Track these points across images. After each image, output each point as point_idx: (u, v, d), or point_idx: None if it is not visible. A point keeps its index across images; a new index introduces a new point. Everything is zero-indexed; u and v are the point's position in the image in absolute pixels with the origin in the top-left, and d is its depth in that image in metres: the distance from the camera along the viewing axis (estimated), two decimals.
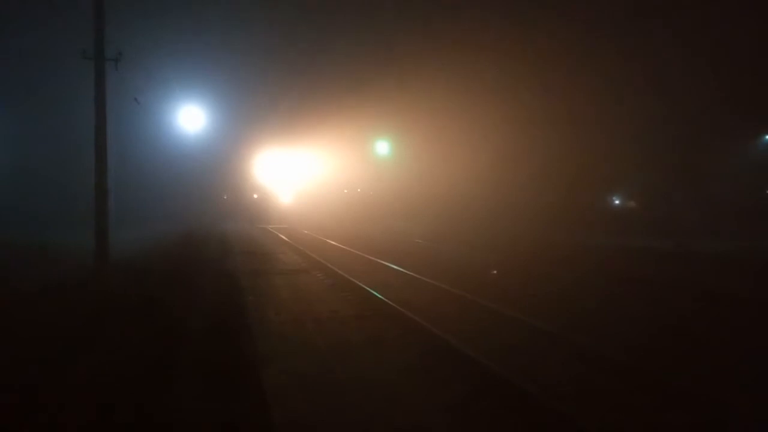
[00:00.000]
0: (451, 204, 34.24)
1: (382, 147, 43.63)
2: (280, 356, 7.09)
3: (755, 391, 5.85)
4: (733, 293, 11.47)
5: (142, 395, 5.51)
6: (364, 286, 12.01)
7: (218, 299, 11.08)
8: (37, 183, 33.56)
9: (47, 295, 10.95)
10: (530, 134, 28.64)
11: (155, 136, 37.16)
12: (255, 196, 67.93)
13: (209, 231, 36.71)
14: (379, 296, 10.82)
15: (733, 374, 6.44)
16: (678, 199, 24.14)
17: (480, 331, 8.27)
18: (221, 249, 23.74)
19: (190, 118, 25.37)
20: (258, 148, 56.24)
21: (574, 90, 26.69)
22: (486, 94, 30.91)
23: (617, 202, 33.28)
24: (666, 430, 4.96)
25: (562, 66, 26.91)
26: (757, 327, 9.04)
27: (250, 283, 13.50)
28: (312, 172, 53.96)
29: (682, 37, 22.94)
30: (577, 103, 26.95)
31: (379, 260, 17.56)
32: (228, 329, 8.33)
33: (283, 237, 29.92)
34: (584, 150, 27.68)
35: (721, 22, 22.12)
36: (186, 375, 6.26)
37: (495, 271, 15.14)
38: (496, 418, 5.10)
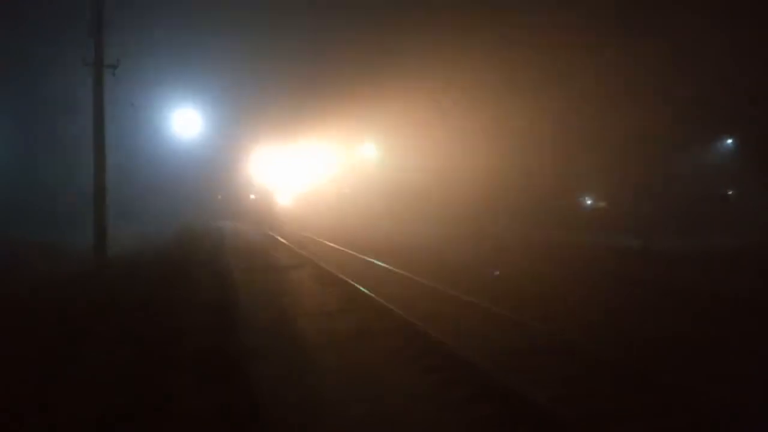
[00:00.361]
0: (433, 203, 34.99)
1: (369, 149, 44.44)
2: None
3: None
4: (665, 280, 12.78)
5: (144, 387, 5.86)
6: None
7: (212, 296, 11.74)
8: (44, 183, 34.20)
9: (39, 293, 11.27)
10: (509, 137, 29.39)
11: (152, 138, 37.87)
12: (252, 196, 66.50)
13: (201, 232, 36.91)
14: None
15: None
16: (646, 200, 25.17)
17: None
18: (215, 247, 24.38)
19: (185, 120, 26.08)
20: (255, 149, 55.97)
21: (552, 91, 27.38)
22: (471, 96, 31.66)
23: (589, 202, 34.50)
24: None
25: (536, 69, 27.62)
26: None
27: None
28: (307, 174, 53.74)
29: (652, 40, 23.70)
30: (555, 104, 27.64)
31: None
32: (221, 324, 8.81)
33: (282, 240, 30.15)
34: (560, 151, 28.58)
35: (690, 28, 22.89)
36: (182, 371, 6.40)
37: (497, 272, 15.49)
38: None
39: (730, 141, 28.46)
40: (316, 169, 53.03)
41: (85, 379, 6.08)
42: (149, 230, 32.25)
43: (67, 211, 26.80)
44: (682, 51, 23.28)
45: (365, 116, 39.67)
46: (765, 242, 19.27)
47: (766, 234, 20.81)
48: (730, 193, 27.57)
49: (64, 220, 26.57)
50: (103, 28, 16.19)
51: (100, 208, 16.30)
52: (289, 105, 52.06)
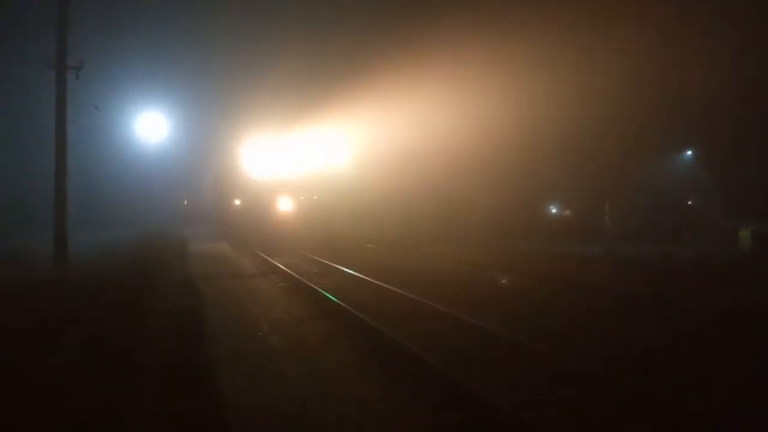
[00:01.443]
0: (406, 213, 34.69)
1: (343, 155, 43.23)
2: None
3: None
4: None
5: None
6: None
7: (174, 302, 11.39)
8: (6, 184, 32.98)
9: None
10: (477, 145, 29.55)
11: (118, 142, 36.95)
12: (237, 202, 55.16)
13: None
14: None
15: None
16: (610, 209, 25.84)
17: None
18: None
19: (151, 122, 25.56)
20: (233, 148, 50.06)
21: (518, 99, 27.58)
22: (441, 105, 31.69)
23: (554, 211, 35.22)
24: None
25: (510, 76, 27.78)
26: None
27: None
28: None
29: (621, 49, 24.13)
30: (522, 112, 27.84)
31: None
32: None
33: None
34: (525, 160, 28.98)
35: (661, 35, 23.35)
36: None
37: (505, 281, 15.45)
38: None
39: (690, 152, 29.43)
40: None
41: None
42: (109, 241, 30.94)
43: (32, 214, 25.79)
44: (645, 60, 23.80)
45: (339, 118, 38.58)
46: (718, 250, 19.98)
47: (721, 242, 21.60)
48: (690, 203, 28.52)
49: (28, 222, 25.58)
50: (66, 28, 15.74)
51: (60, 214, 15.81)
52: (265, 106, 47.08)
